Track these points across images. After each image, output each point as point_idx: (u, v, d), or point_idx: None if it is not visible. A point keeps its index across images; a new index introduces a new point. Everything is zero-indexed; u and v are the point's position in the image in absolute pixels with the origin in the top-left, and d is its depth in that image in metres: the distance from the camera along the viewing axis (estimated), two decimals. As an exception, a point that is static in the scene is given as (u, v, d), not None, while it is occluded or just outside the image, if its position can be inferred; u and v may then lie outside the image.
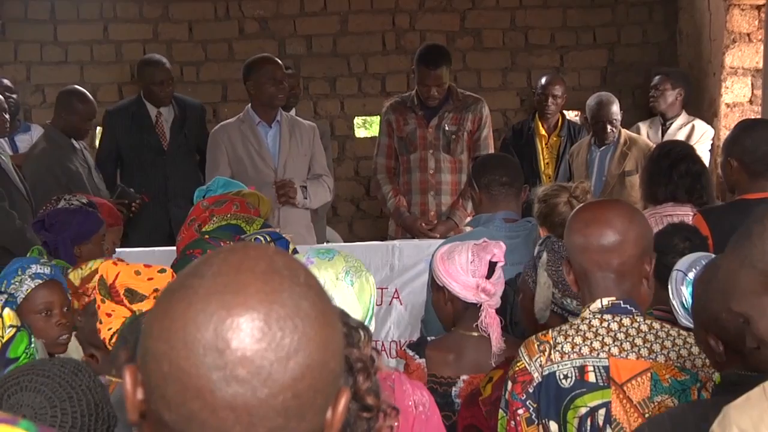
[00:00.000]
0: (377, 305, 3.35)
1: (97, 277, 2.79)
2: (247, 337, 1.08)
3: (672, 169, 4.44)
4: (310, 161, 5.86)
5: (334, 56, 8.03)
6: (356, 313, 2.40)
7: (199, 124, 6.73)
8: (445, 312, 3.28)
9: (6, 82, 6.74)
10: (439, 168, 5.94)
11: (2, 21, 7.77)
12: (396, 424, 1.55)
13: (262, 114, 5.81)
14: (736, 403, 1.57)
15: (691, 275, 2.94)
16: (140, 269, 2.75)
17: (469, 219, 5.75)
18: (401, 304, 5.36)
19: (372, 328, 2.51)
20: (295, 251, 3.18)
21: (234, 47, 7.98)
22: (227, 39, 7.97)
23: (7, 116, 5.77)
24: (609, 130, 6.40)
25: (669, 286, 3.01)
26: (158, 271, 2.75)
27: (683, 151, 4.71)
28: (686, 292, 2.94)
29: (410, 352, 3.27)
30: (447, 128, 5.93)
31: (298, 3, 8.00)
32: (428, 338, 3.43)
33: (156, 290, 2.69)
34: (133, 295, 2.69)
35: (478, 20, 8.10)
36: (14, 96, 6.72)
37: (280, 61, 5.89)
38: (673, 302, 2.99)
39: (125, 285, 2.69)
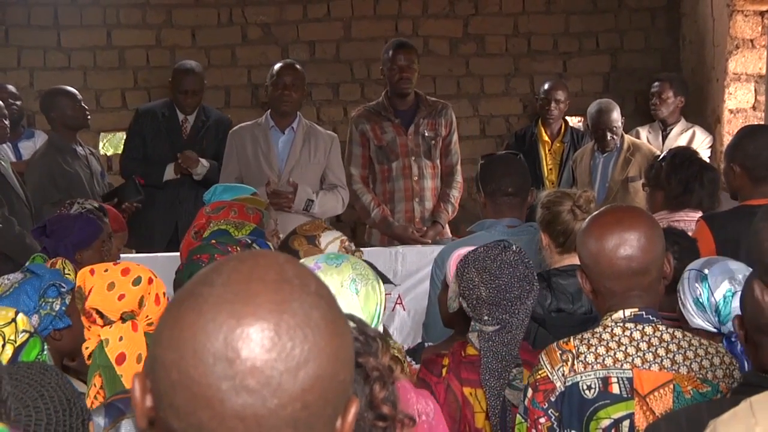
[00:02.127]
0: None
1: (76, 286, 2.78)
2: (257, 346, 1.08)
3: (701, 175, 4.42)
4: (324, 171, 5.81)
5: (337, 62, 8.03)
6: (360, 321, 2.38)
7: (219, 137, 6.66)
8: (446, 310, 3.30)
9: (10, 88, 6.73)
10: (422, 174, 5.89)
11: (5, 27, 7.78)
12: None
13: (276, 119, 5.82)
14: (723, 418, 1.58)
15: (706, 271, 2.91)
16: (115, 280, 2.69)
17: (454, 226, 5.75)
18: (404, 309, 5.36)
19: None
20: None
21: (237, 53, 7.98)
22: (230, 45, 7.98)
23: (6, 122, 5.74)
24: (609, 138, 6.40)
25: (680, 287, 2.97)
26: (132, 282, 2.69)
27: (699, 157, 4.70)
28: (701, 287, 2.91)
29: (408, 358, 3.27)
30: (426, 134, 5.89)
31: (301, 9, 8.00)
32: (426, 344, 3.43)
33: (124, 312, 2.67)
34: (103, 317, 2.67)
35: (481, 26, 8.11)
36: (18, 102, 6.69)
37: (297, 68, 5.82)
38: (686, 301, 2.95)
39: (95, 306, 2.67)
